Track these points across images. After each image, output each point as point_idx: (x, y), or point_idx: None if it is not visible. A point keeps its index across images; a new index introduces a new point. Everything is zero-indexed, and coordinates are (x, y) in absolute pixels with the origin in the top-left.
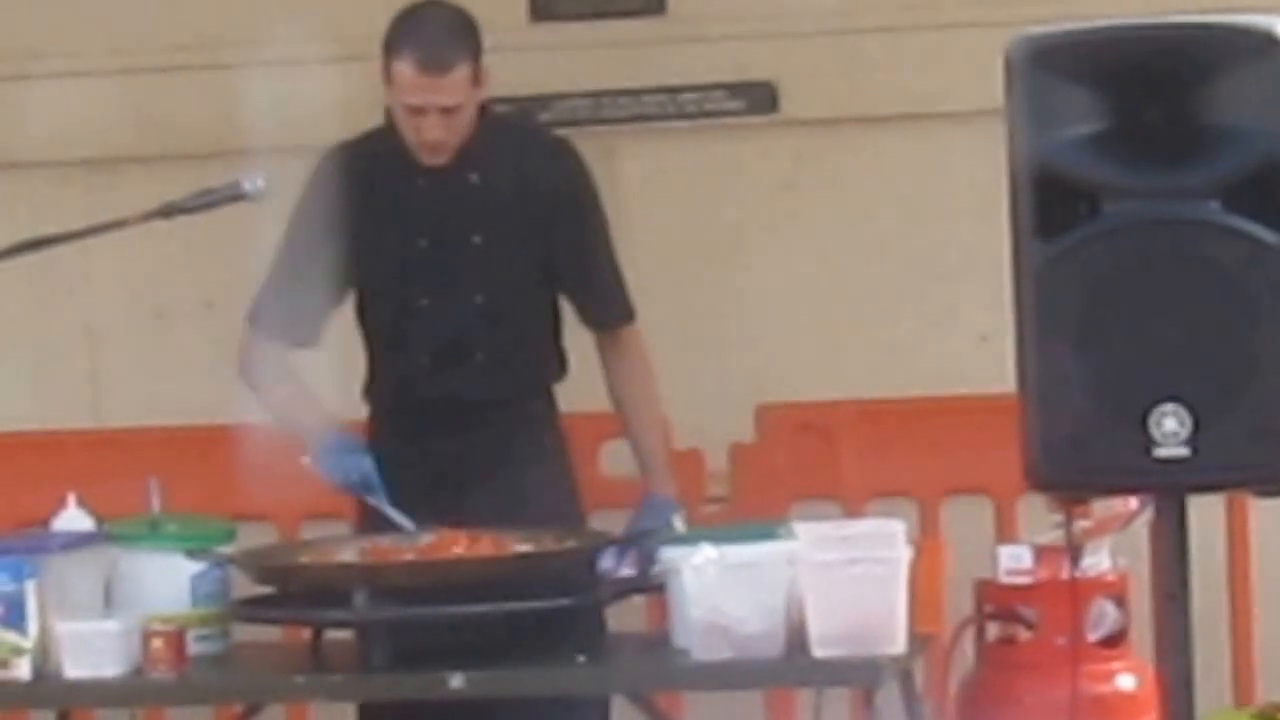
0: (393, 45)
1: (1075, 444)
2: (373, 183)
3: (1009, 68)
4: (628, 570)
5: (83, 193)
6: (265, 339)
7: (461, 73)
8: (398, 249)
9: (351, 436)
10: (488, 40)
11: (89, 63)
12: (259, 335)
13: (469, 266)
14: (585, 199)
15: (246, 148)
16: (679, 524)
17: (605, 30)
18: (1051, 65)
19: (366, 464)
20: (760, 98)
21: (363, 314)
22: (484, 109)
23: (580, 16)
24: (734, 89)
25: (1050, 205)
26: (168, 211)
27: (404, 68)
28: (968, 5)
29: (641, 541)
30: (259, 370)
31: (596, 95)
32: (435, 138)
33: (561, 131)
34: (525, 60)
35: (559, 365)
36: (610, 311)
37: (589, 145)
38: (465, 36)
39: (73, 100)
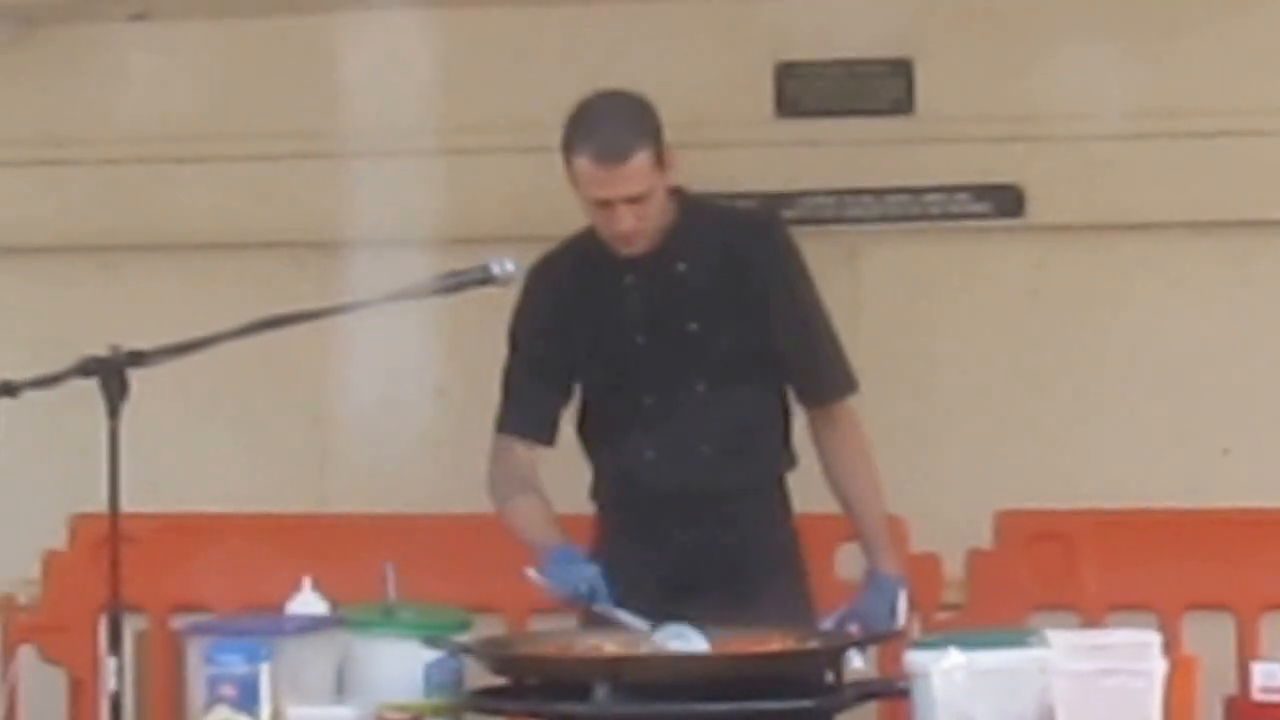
0: (570, 142)
1: None
2: (582, 287)
3: None
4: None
5: (314, 275)
6: (511, 441)
7: (641, 159)
8: (616, 349)
9: (577, 549)
10: (733, 135)
11: (322, 145)
12: (506, 439)
13: (688, 356)
14: (795, 274)
15: (475, 236)
16: (903, 603)
17: (851, 128)
18: None
19: (592, 572)
20: (1006, 201)
21: (584, 415)
22: (680, 193)
23: (827, 113)
24: (980, 191)
25: None
26: (415, 293)
27: (583, 163)
28: (1214, 115)
29: (880, 639)
30: (505, 483)
31: (840, 194)
32: (626, 228)
33: (805, 230)
34: (770, 156)
35: (789, 455)
36: (834, 386)
37: (832, 244)
38: (640, 122)
39: (304, 181)
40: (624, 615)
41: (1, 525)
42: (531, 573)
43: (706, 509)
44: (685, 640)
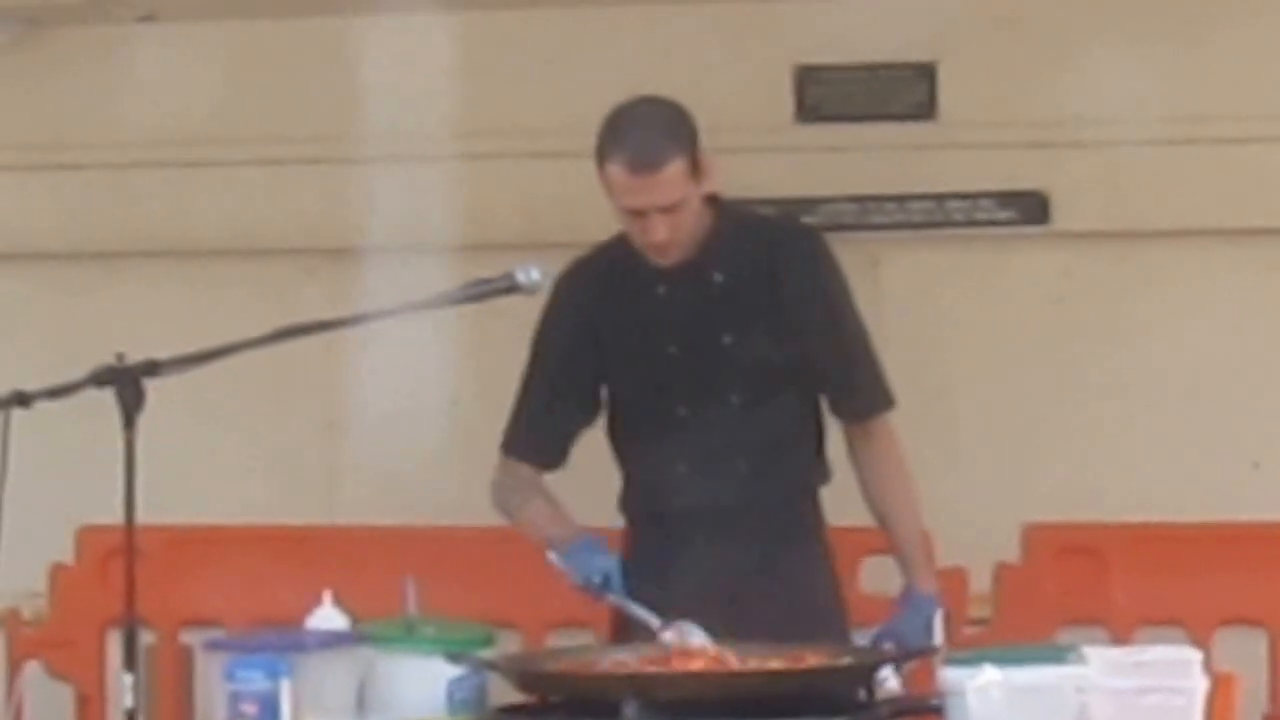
0: (603, 149)
1: None
2: (614, 296)
3: None
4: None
5: (324, 282)
6: (518, 463)
7: (675, 168)
8: (648, 359)
9: (599, 539)
10: (752, 140)
11: (333, 150)
12: (511, 460)
13: (723, 369)
14: (833, 286)
15: (489, 243)
16: (938, 622)
17: (873, 133)
18: None
19: (611, 564)
20: (1031, 207)
21: (615, 426)
22: (716, 202)
23: (848, 118)
24: (1004, 198)
25: None
26: (440, 301)
27: (616, 170)
28: (1242, 121)
29: (914, 656)
30: (512, 495)
31: (862, 200)
32: (660, 238)
33: (826, 237)
34: (791, 162)
35: (823, 469)
36: (871, 402)
37: (853, 251)
38: (675, 130)
39: (315, 187)
40: (636, 609)
41: (6, 538)
42: (552, 555)
43: (739, 523)
44: (693, 639)
